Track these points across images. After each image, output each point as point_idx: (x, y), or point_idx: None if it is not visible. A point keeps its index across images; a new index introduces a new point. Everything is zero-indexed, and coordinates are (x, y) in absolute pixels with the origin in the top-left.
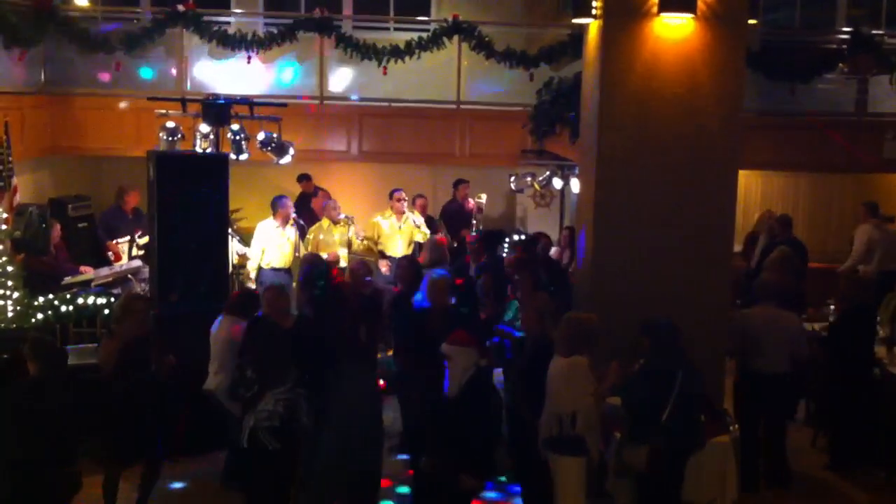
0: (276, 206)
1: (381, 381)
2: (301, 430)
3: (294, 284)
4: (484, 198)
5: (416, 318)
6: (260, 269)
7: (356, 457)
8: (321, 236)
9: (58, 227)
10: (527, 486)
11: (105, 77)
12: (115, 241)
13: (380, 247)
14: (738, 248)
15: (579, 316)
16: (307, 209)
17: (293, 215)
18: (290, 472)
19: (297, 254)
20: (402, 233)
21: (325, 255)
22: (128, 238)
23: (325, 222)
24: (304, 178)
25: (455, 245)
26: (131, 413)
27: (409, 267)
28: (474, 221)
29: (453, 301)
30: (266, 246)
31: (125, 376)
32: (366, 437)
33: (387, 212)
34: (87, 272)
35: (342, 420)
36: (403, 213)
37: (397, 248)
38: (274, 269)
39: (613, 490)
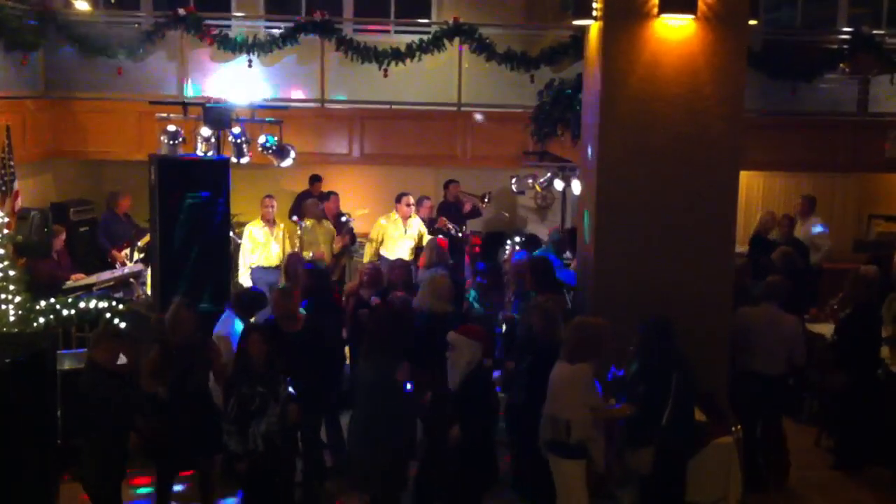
0: (261, 205)
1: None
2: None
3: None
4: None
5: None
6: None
7: (382, 446)
8: (305, 236)
9: (63, 234)
10: (529, 486)
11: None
12: (121, 251)
13: (382, 248)
14: (741, 248)
15: (587, 321)
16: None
17: (293, 217)
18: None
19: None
20: (407, 237)
21: (309, 255)
22: (126, 241)
23: (308, 222)
24: (314, 180)
25: (460, 235)
26: (186, 416)
27: (401, 269)
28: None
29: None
30: (254, 245)
31: (178, 381)
32: (388, 428)
33: (392, 214)
34: (79, 279)
35: (365, 413)
36: (410, 217)
37: (402, 252)
38: (262, 268)
39: (617, 491)
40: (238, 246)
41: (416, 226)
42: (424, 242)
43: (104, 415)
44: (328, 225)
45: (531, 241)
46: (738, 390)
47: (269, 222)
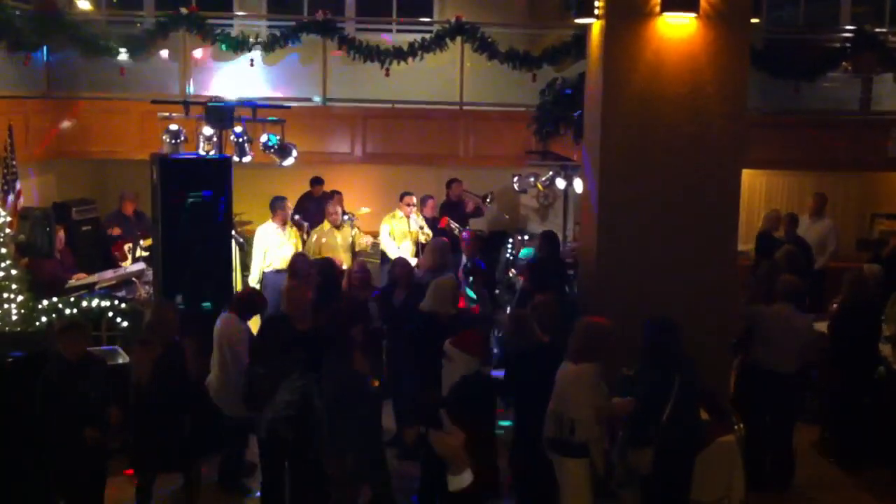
0: (274, 207)
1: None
2: (315, 416)
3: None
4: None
5: (420, 323)
6: (263, 272)
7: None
8: (323, 239)
9: (62, 233)
10: (529, 487)
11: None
12: (124, 243)
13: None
14: (744, 246)
15: (593, 322)
16: (308, 210)
17: (296, 216)
18: (310, 461)
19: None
20: (411, 235)
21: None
22: (130, 238)
23: (325, 225)
24: (316, 182)
25: (460, 233)
26: (168, 420)
27: (402, 267)
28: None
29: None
30: (268, 248)
31: (163, 384)
32: (359, 433)
33: (396, 213)
34: (82, 278)
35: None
36: (411, 216)
37: (404, 250)
38: (276, 272)
39: (620, 490)
40: (241, 245)
41: (416, 225)
42: (421, 239)
43: (76, 407)
44: (347, 230)
45: (549, 240)
46: (748, 387)
47: (283, 224)
